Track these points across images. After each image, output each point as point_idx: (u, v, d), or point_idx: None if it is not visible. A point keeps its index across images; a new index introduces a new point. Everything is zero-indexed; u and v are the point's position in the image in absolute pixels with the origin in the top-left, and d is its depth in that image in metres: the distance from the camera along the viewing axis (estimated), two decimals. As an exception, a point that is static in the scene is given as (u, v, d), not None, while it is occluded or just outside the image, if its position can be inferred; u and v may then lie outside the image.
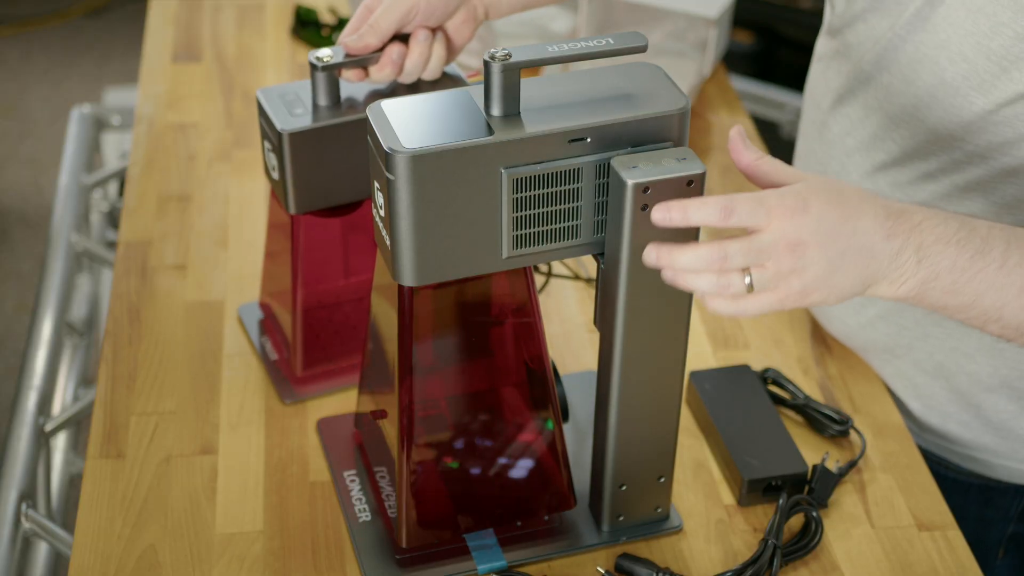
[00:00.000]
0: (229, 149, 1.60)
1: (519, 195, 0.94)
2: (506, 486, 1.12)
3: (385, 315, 1.06)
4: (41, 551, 1.53)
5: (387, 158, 0.91)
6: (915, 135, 1.15)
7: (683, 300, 1.00)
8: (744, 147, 0.94)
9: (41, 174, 3.21)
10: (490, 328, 1.05)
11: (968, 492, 1.27)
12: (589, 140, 0.94)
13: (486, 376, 1.08)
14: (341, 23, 1.83)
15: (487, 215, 0.95)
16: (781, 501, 1.11)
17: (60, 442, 1.74)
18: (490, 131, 0.92)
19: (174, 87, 1.72)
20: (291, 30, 1.84)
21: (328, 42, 1.81)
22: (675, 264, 0.91)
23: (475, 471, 1.10)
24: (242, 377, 1.28)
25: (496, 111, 0.94)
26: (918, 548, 1.13)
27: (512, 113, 0.94)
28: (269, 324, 1.32)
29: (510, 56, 0.92)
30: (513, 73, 0.93)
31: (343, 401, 1.25)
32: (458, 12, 1.15)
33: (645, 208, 0.93)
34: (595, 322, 1.03)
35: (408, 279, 0.96)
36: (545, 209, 0.96)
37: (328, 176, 1.15)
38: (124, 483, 1.16)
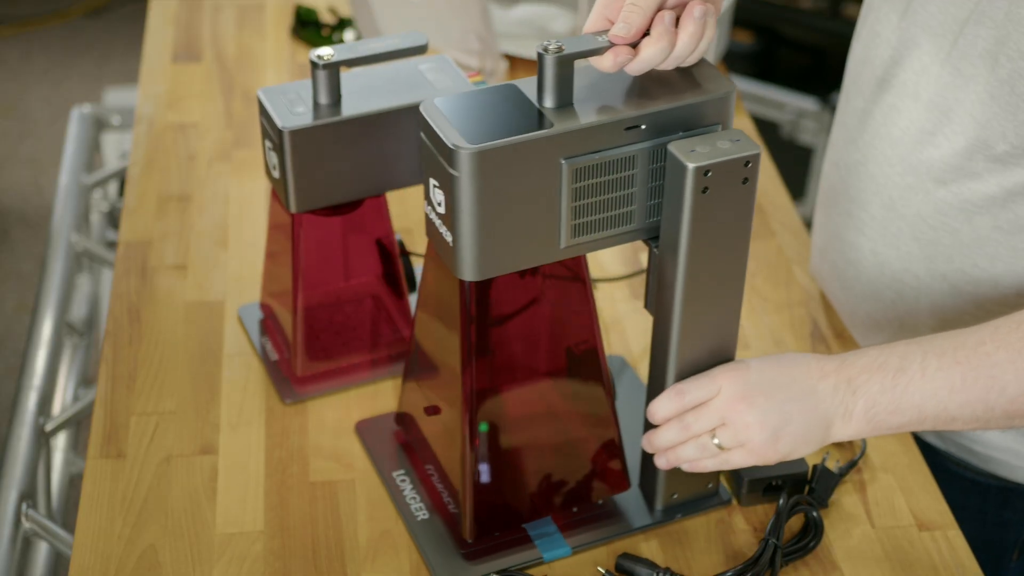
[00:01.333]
0: (229, 149, 1.60)
1: (578, 184, 0.95)
2: (566, 472, 1.12)
3: (438, 309, 1.06)
4: (41, 551, 1.53)
5: (450, 155, 0.91)
6: (965, 130, 1.12)
7: (737, 278, 1.02)
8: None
9: (41, 174, 3.21)
10: (547, 315, 1.05)
11: (987, 493, 1.27)
12: (644, 127, 0.95)
13: (543, 363, 1.08)
14: (341, 23, 1.83)
15: (547, 206, 0.95)
16: (781, 501, 1.11)
17: (60, 442, 1.74)
18: (548, 123, 0.93)
19: (174, 87, 1.72)
20: (291, 30, 1.84)
21: (328, 42, 1.80)
22: (659, 444, 1.06)
23: (536, 460, 1.10)
24: (242, 377, 1.28)
25: (549, 103, 0.94)
26: (918, 548, 1.13)
27: (566, 104, 0.95)
28: (269, 324, 1.32)
29: (563, 48, 0.92)
30: (567, 64, 0.93)
31: (344, 401, 1.25)
32: None
33: (706, 191, 0.95)
34: (646, 306, 1.05)
35: (470, 274, 0.96)
36: (602, 197, 0.97)
37: (329, 174, 1.15)
38: (124, 483, 1.16)
